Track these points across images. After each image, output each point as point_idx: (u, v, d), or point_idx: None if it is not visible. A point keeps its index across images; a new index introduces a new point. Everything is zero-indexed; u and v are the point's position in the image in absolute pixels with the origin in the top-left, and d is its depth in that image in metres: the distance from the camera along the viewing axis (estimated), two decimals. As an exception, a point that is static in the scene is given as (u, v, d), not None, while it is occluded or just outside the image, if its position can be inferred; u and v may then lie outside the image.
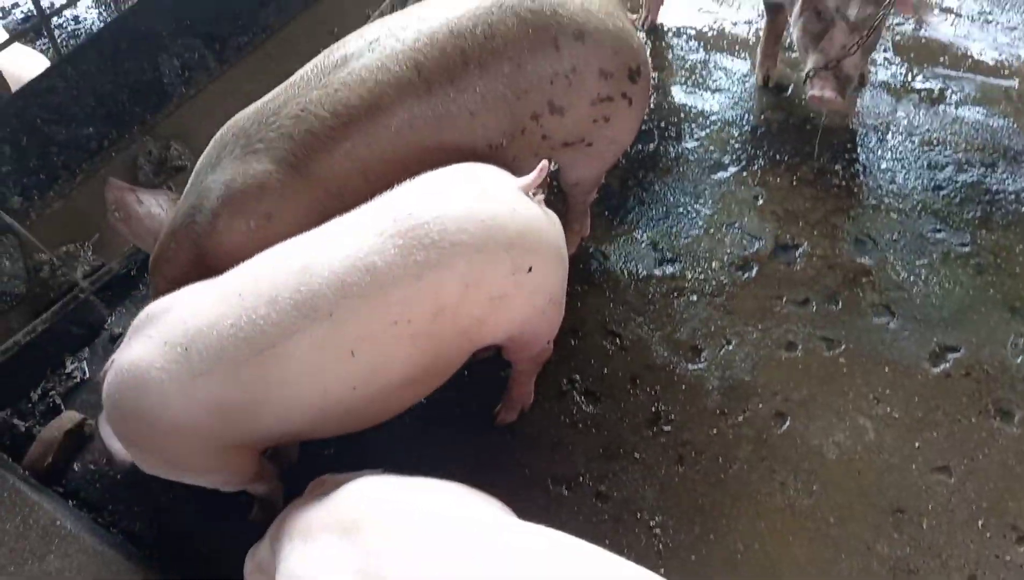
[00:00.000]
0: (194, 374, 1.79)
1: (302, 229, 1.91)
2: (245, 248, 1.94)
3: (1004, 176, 3.03)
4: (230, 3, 2.85)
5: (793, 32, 2.91)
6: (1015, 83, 3.33)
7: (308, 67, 2.12)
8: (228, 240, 2.02)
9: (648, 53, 3.56)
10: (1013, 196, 2.97)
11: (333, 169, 2.02)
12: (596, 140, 2.32)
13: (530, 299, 1.96)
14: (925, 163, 3.11)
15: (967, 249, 2.85)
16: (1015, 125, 3.18)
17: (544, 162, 1.92)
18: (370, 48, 2.06)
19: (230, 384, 1.80)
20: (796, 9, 2.84)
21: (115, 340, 2.81)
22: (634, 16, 2.37)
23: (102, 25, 3.86)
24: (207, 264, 2.02)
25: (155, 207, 2.23)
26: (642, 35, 3.70)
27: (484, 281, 1.84)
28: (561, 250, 2.01)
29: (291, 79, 2.11)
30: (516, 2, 2.09)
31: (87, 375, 2.77)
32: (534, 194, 1.96)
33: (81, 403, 2.72)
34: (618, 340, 2.75)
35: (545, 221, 1.95)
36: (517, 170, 2.08)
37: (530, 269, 1.88)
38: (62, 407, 2.69)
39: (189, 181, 2.14)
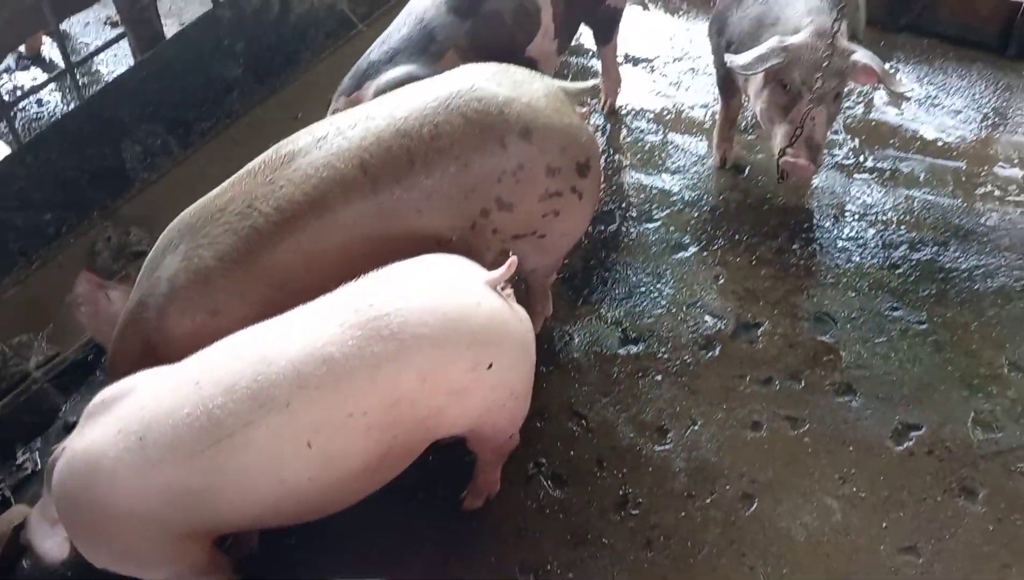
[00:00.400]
0: (148, 463, 1.76)
1: (249, 323, 1.90)
2: (193, 343, 1.93)
3: (956, 254, 3.11)
4: (195, 89, 2.88)
5: (755, 106, 2.97)
6: (963, 164, 3.44)
7: (256, 162, 2.14)
8: (176, 335, 2.01)
9: (606, 138, 3.69)
10: (966, 274, 3.04)
11: (277, 263, 2.03)
12: (548, 233, 2.35)
13: (491, 394, 1.95)
14: (880, 242, 3.18)
15: (924, 326, 2.90)
16: (964, 205, 3.28)
17: (513, 258, 1.94)
18: (317, 145, 2.09)
19: (185, 473, 1.77)
20: (756, 84, 2.92)
21: (69, 429, 2.73)
22: (584, 109, 2.42)
23: (65, 112, 3.86)
24: (158, 358, 2.00)
25: (124, 304, 2.20)
26: (601, 119, 3.79)
27: (442, 375, 1.84)
28: (527, 346, 2.01)
29: (238, 174, 2.13)
30: (463, 102, 2.13)
31: (38, 466, 2.69)
32: (503, 288, 1.97)
33: (33, 496, 2.62)
34: (584, 422, 2.74)
35: (510, 317, 1.95)
36: None
37: (491, 365, 1.88)
38: (12, 500, 2.60)
39: (138, 277, 2.12)
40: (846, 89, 2.95)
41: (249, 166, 2.15)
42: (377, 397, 1.79)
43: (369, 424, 1.80)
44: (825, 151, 3.45)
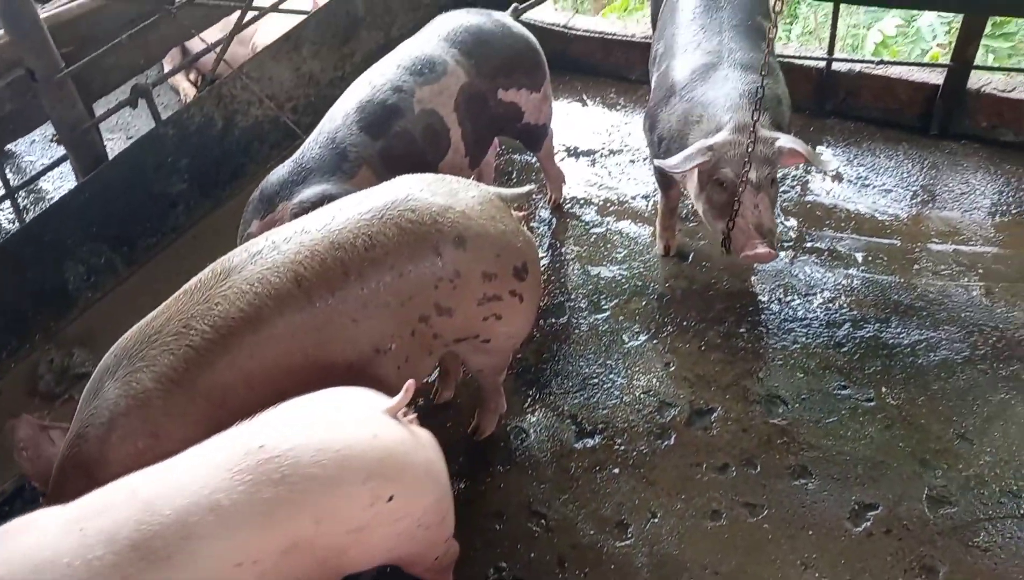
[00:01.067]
0: None
1: (192, 443, 1.87)
2: (136, 469, 1.87)
3: (898, 330, 3.18)
4: (139, 206, 2.89)
5: (696, 206, 3.06)
6: (897, 241, 3.55)
7: (192, 282, 2.15)
8: (118, 465, 1.96)
9: (552, 231, 3.76)
10: (909, 349, 3.11)
11: (216, 382, 2.01)
12: (492, 336, 2.38)
13: (395, 527, 1.90)
14: (824, 321, 3.25)
15: (872, 404, 2.94)
16: (902, 281, 3.37)
17: (410, 382, 1.92)
18: (252, 261, 2.10)
19: None
20: (694, 186, 3.01)
21: None
22: (522, 213, 2.47)
23: (6, 236, 3.84)
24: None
25: None
26: (547, 213, 3.87)
27: (339, 515, 1.79)
28: (432, 473, 1.97)
29: (175, 295, 2.13)
30: (397, 213, 2.17)
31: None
32: (404, 415, 1.96)
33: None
34: (543, 521, 2.71)
35: (411, 445, 1.91)
36: (410, 371, 2.13)
37: (391, 498, 1.83)
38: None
39: (78, 408, 2.09)
40: (778, 174, 3.06)
41: (185, 286, 2.15)
42: (269, 544, 1.73)
43: (261, 572, 1.74)
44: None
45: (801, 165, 3.94)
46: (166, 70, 4.53)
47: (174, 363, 2.00)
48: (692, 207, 3.73)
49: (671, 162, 2.88)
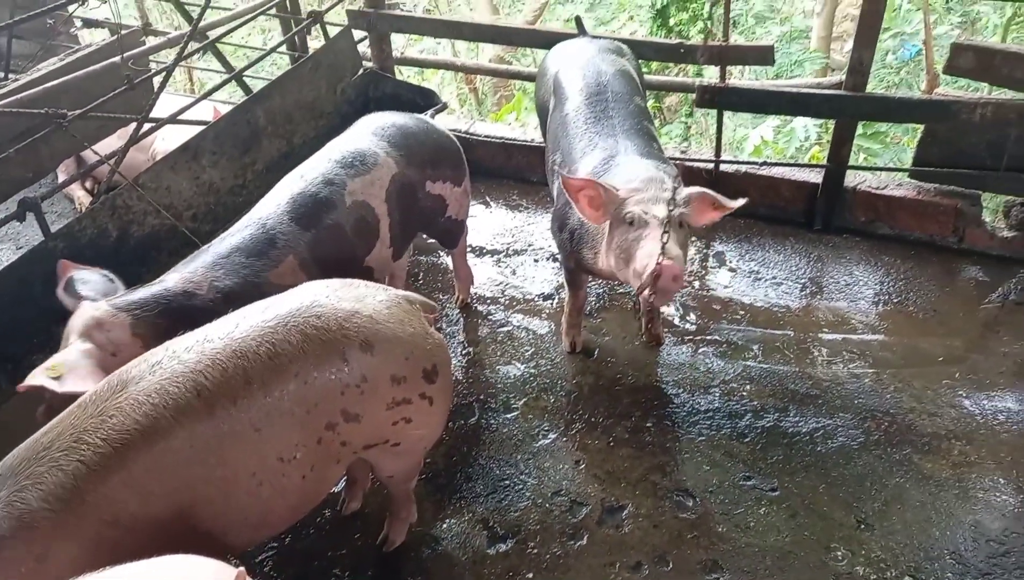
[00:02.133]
0: None
1: (81, 564, 1.75)
2: None
3: (797, 418, 3.28)
4: (26, 323, 2.76)
5: (608, 260, 2.97)
6: (790, 332, 3.70)
7: (87, 394, 2.06)
8: None
9: (462, 330, 3.77)
10: (807, 437, 3.20)
11: (108, 498, 1.92)
12: (402, 439, 2.36)
13: None
14: (726, 412, 3.33)
15: (777, 493, 3.00)
16: (797, 370, 3.50)
17: (241, 570, 1.77)
18: (151, 371, 2.04)
19: None
20: (604, 239, 2.97)
21: None
22: (432, 314, 2.48)
23: None
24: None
25: None
26: (456, 312, 3.89)
27: None
28: None
29: (69, 409, 2.04)
30: (302, 319, 2.16)
31: None
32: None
33: None
34: (457, 633, 2.62)
35: None
36: (316, 480, 2.13)
37: None
38: None
39: None
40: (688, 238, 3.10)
41: (79, 400, 2.06)
42: None
43: None
44: (665, 330, 3.66)
45: (697, 260, 4.11)
46: (60, 179, 4.44)
47: (63, 480, 1.90)
48: (596, 303, 3.83)
49: (576, 178, 2.92)
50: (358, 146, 3.07)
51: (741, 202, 2.84)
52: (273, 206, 2.85)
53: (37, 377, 2.27)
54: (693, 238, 4.20)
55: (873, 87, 7.49)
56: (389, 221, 3.04)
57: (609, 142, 3.17)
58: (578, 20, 4.18)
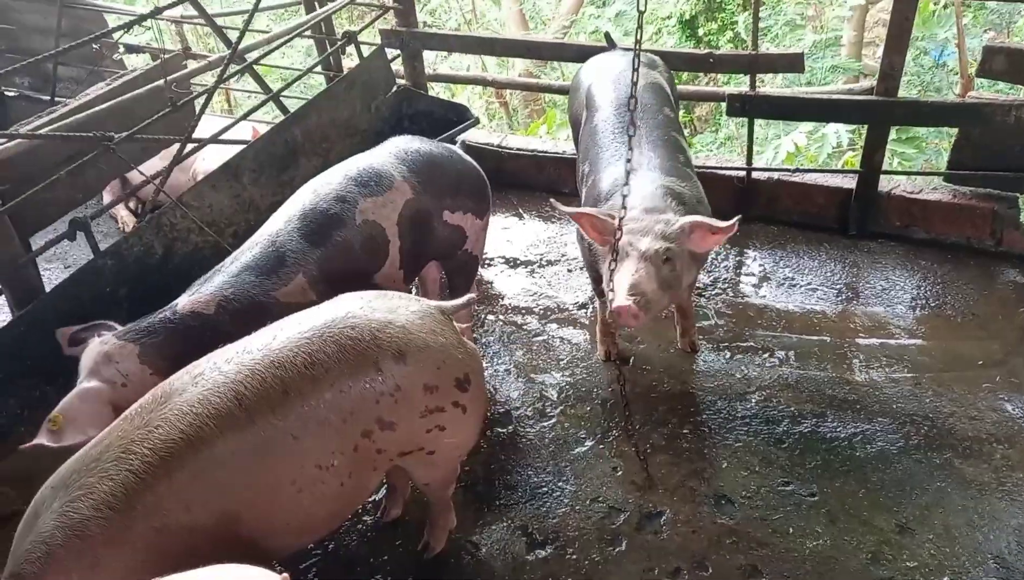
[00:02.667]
0: None
1: (131, 572, 1.82)
2: None
3: (835, 424, 3.27)
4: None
5: (606, 285, 3.01)
6: (827, 338, 3.69)
7: (133, 407, 2.14)
8: None
9: (499, 340, 3.81)
10: (846, 442, 3.19)
11: (156, 506, 1.99)
12: (437, 447, 2.40)
13: None
14: (764, 418, 3.33)
15: (816, 499, 2.99)
16: (835, 375, 3.49)
17: (286, 576, 1.73)
18: (193, 383, 2.12)
19: None
20: (606, 262, 3.02)
21: None
22: (465, 326, 2.52)
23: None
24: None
25: None
26: (492, 321, 3.93)
27: None
28: None
29: (115, 422, 2.12)
30: (337, 330, 2.22)
31: None
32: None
33: None
34: (498, 639, 2.65)
35: None
36: (354, 487, 2.20)
37: None
38: None
39: (12, 547, 2.02)
40: (698, 268, 3.21)
41: (125, 413, 2.14)
42: None
43: None
44: (701, 336, 3.66)
45: (731, 267, 4.12)
46: (106, 200, 4.57)
47: (113, 489, 1.97)
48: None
49: (569, 209, 3.01)
50: (375, 166, 3.07)
51: (736, 220, 2.86)
52: (284, 222, 2.89)
53: (38, 436, 2.35)
54: (727, 245, 4.21)
55: (908, 92, 7.47)
56: (400, 244, 3.04)
57: (633, 155, 3.15)
58: (607, 35, 4.23)
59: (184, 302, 2.68)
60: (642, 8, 2.75)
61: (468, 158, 3.41)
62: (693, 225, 2.91)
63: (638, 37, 2.82)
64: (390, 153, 3.16)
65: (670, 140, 3.31)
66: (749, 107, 4.15)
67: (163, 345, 2.57)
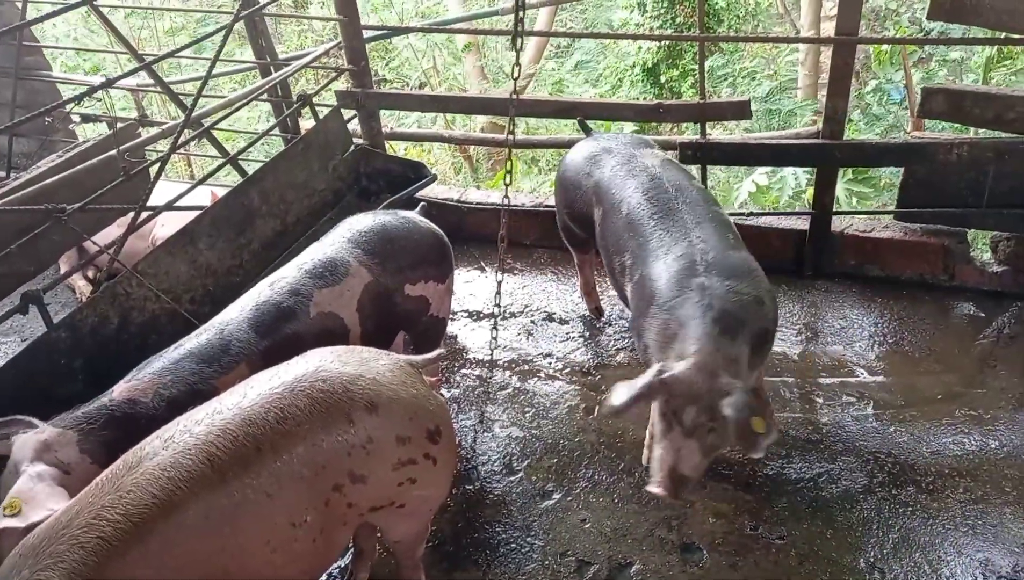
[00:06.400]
0: None
1: None
2: None
3: (800, 465, 3.29)
4: (32, 411, 2.80)
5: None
6: (790, 378, 3.73)
7: (103, 474, 2.10)
8: None
9: (460, 394, 3.80)
10: (812, 483, 3.20)
11: (128, 573, 1.95)
12: (407, 501, 2.38)
13: None
14: (729, 462, 3.33)
15: (784, 541, 2.99)
16: (799, 416, 3.52)
17: None
18: (164, 446, 2.09)
19: None
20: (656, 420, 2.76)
21: None
22: (434, 379, 2.52)
23: None
24: None
25: None
26: (457, 377, 3.92)
27: None
28: None
29: (85, 490, 2.08)
30: (308, 384, 2.22)
31: None
32: None
33: None
34: None
35: None
36: (325, 544, 2.15)
37: None
38: None
39: None
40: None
41: (95, 480, 2.10)
42: None
43: None
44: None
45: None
46: (62, 270, 4.53)
47: (84, 558, 1.93)
48: (594, 358, 3.86)
49: (617, 400, 2.63)
50: (330, 255, 3.03)
51: (766, 446, 2.53)
52: (236, 312, 2.86)
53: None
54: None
55: (872, 128, 7.68)
56: (361, 330, 3.01)
57: (683, 246, 2.95)
58: (582, 122, 4.10)
59: (121, 389, 2.62)
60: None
61: (424, 223, 3.33)
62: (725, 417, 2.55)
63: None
64: (343, 237, 3.12)
65: (715, 217, 3.08)
66: (701, 154, 4.22)
67: (101, 433, 2.49)
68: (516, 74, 3.20)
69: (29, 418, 2.58)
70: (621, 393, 2.63)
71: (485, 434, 3.61)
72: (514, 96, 3.14)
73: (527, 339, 4.17)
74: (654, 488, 2.65)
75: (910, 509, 3.06)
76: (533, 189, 8.34)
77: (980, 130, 3.95)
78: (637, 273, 3.08)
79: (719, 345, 2.66)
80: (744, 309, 2.77)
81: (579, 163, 3.62)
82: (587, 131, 3.98)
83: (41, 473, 2.38)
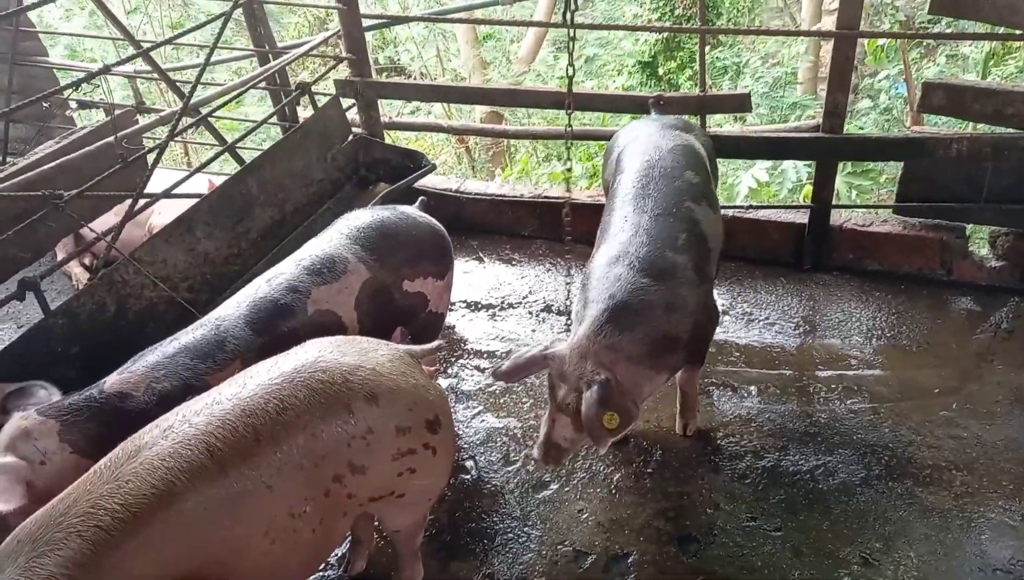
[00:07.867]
0: None
1: None
2: None
3: (797, 458, 3.29)
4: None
5: None
6: (787, 371, 3.73)
7: (101, 462, 2.09)
8: None
9: (456, 386, 3.79)
10: (808, 475, 3.20)
11: (125, 563, 1.93)
12: (406, 491, 2.37)
13: None
14: (727, 454, 3.33)
15: (780, 534, 2.99)
16: (796, 409, 3.52)
17: None
18: (164, 436, 2.08)
19: None
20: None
21: None
22: (432, 368, 2.51)
23: None
24: None
25: None
26: (455, 368, 3.92)
27: None
28: None
29: (83, 477, 2.07)
30: (307, 374, 2.21)
31: None
32: None
33: None
34: None
35: None
36: (325, 534, 2.13)
37: None
38: None
39: None
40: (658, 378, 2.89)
41: (94, 467, 2.09)
42: None
43: None
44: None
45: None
46: (59, 257, 4.51)
47: (81, 546, 1.92)
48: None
49: (504, 366, 2.82)
50: (328, 251, 3.00)
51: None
52: (233, 308, 2.83)
53: None
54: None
55: (875, 121, 7.68)
56: (359, 327, 2.98)
57: (627, 235, 2.96)
58: (655, 103, 4.10)
59: (113, 381, 2.59)
60: None
61: (424, 219, 3.30)
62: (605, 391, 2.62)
63: None
64: (342, 234, 3.09)
65: (677, 213, 3.01)
66: (701, 146, 4.21)
67: (86, 425, 2.47)
68: (571, 73, 3.14)
69: (45, 383, 2.58)
70: (508, 362, 2.80)
71: (483, 425, 3.61)
72: (570, 93, 3.05)
73: (525, 331, 4.16)
74: (533, 452, 2.87)
75: (906, 502, 3.07)
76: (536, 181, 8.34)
77: (979, 125, 3.95)
78: (595, 247, 3.13)
79: (604, 334, 2.71)
80: (645, 307, 2.76)
81: (619, 134, 3.66)
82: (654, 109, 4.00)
83: (7, 466, 2.35)
